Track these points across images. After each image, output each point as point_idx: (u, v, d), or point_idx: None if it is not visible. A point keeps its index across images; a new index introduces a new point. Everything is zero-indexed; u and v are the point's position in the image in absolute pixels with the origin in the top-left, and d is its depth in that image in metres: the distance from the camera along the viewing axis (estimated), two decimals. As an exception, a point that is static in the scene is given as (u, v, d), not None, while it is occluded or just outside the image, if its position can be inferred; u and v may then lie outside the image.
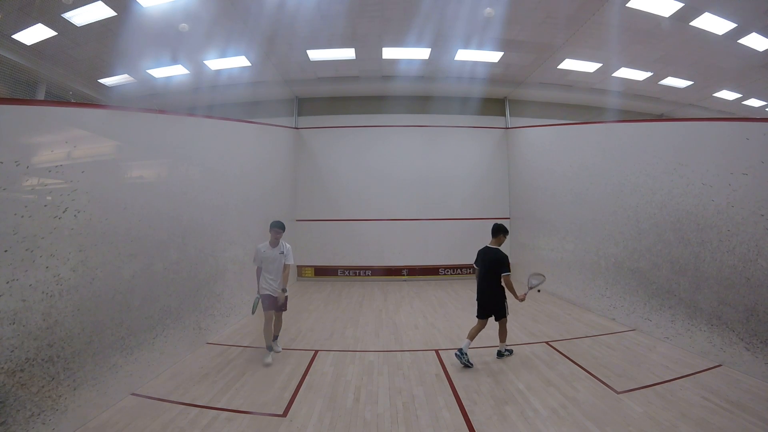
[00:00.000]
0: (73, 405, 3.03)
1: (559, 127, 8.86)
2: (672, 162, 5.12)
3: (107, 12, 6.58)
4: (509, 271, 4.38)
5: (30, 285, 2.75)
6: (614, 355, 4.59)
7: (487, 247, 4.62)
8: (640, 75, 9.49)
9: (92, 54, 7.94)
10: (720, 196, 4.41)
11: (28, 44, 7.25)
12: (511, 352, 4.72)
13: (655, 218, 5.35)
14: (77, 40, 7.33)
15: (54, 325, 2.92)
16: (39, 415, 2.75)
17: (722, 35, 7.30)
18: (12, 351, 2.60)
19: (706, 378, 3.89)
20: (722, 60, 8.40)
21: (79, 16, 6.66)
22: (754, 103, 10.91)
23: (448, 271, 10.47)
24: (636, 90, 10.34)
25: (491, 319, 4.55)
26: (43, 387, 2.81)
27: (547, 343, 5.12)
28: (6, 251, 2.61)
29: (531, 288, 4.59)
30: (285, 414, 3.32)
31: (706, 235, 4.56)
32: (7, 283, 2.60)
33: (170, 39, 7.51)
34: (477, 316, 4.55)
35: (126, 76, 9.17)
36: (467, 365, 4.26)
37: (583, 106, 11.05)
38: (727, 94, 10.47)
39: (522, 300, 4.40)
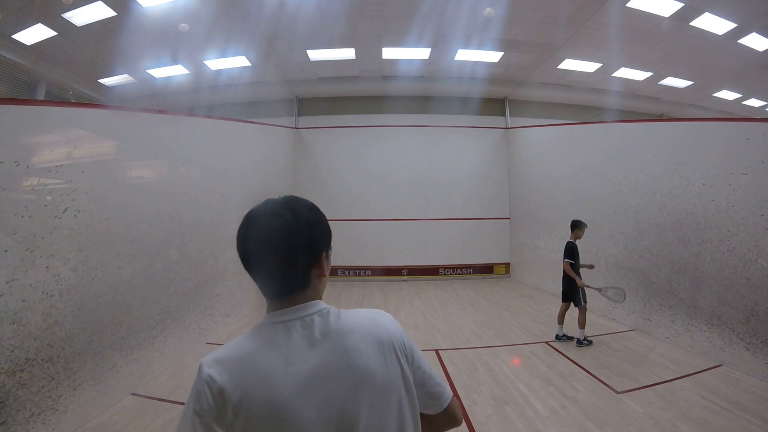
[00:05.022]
0: (73, 405, 3.03)
1: (559, 127, 8.85)
2: (672, 162, 5.12)
3: (107, 12, 6.58)
4: (568, 259, 5.02)
5: (30, 285, 2.75)
6: (614, 355, 4.59)
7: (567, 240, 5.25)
8: (640, 75, 9.49)
9: (92, 54, 7.94)
10: (720, 196, 4.41)
11: (28, 44, 7.25)
12: (590, 342, 4.96)
13: (655, 218, 5.35)
14: (77, 40, 7.32)
15: (54, 325, 2.92)
16: (39, 415, 2.75)
17: (722, 35, 7.29)
18: (12, 351, 2.60)
19: (706, 378, 3.89)
20: (722, 60, 8.39)
21: (79, 16, 6.65)
22: (754, 103, 10.91)
23: (448, 271, 10.47)
24: (636, 90, 10.34)
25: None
26: (43, 387, 2.81)
27: (547, 343, 5.12)
28: (6, 251, 2.61)
29: (599, 289, 5.01)
30: (285, 414, 3.31)
31: (706, 235, 4.56)
32: (7, 283, 2.60)
33: (170, 39, 7.50)
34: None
35: (126, 76, 9.17)
36: (568, 339, 5.07)
37: (583, 106, 11.04)
38: (727, 94, 10.47)
39: (581, 286, 4.95)
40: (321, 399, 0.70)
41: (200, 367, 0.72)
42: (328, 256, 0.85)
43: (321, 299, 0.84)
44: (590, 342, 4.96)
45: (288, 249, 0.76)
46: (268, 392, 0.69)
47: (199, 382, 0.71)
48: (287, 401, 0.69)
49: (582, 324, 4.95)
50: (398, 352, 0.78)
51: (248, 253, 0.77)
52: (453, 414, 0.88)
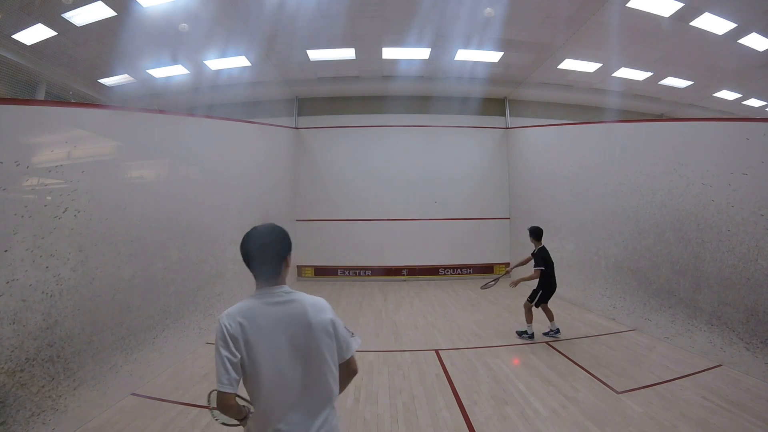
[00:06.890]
0: (73, 405, 3.03)
1: (559, 127, 8.85)
2: (672, 162, 5.12)
3: (107, 12, 6.57)
4: (540, 267, 5.28)
5: (30, 285, 2.75)
6: (614, 355, 4.59)
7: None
8: (640, 75, 9.49)
9: (92, 54, 7.94)
10: (720, 196, 4.41)
11: (28, 44, 7.24)
12: (532, 336, 5.25)
13: (655, 218, 5.35)
14: (77, 40, 7.32)
15: (54, 325, 2.93)
16: (39, 415, 2.75)
17: (722, 35, 7.29)
18: (12, 351, 2.60)
19: (706, 378, 3.89)
20: (722, 60, 8.39)
21: (79, 16, 6.65)
22: (754, 103, 10.90)
23: (448, 271, 10.47)
24: (636, 90, 10.34)
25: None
26: (43, 387, 2.81)
27: (547, 343, 5.13)
28: (6, 251, 2.61)
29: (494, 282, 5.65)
30: (285, 414, 3.32)
31: (706, 235, 4.56)
32: (7, 283, 2.60)
33: (170, 39, 7.50)
34: None
35: (126, 76, 9.16)
36: (555, 333, 5.31)
37: (583, 106, 11.04)
38: (727, 94, 10.46)
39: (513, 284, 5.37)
40: (281, 331, 1.35)
41: (220, 319, 1.34)
42: (290, 257, 1.47)
43: (285, 284, 1.46)
44: (532, 336, 5.23)
45: (271, 252, 1.43)
46: (255, 327, 1.33)
47: (219, 327, 1.32)
48: (264, 330, 1.33)
49: (529, 319, 5.28)
50: (326, 329, 1.39)
51: (249, 255, 1.42)
52: (350, 365, 1.48)
